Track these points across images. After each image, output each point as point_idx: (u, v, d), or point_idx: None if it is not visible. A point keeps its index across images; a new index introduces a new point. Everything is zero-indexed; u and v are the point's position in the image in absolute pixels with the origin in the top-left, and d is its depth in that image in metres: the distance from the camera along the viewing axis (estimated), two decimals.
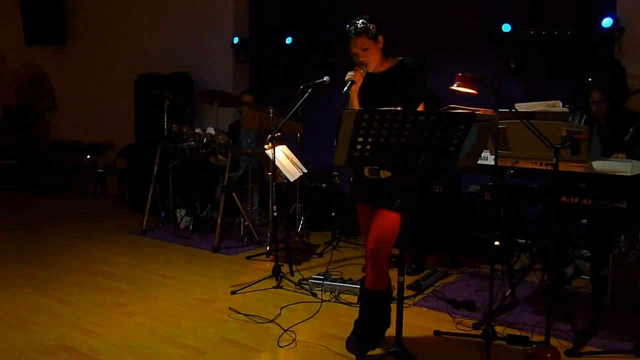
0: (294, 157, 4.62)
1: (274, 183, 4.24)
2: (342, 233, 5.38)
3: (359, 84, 2.73)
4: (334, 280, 3.94)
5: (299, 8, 6.50)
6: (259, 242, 5.24)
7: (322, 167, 5.69)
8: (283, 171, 4.45)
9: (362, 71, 2.71)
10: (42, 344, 3.02)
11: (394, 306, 2.58)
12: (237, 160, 5.74)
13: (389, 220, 2.67)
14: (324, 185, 5.85)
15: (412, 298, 3.76)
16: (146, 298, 3.80)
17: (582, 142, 2.76)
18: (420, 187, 4.42)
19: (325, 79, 3.40)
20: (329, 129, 2.79)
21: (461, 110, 2.37)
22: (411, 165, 2.36)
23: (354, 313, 2.98)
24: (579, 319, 3.18)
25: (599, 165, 2.84)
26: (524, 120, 2.63)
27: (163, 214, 5.93)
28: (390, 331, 2.86)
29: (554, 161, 2.58)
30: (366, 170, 2.69)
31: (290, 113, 3.68)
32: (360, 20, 2.65)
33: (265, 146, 4.10)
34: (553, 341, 2.82)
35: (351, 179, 2.94)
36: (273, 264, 4.09)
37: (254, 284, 3.97)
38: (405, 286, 2.63)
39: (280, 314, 3.46)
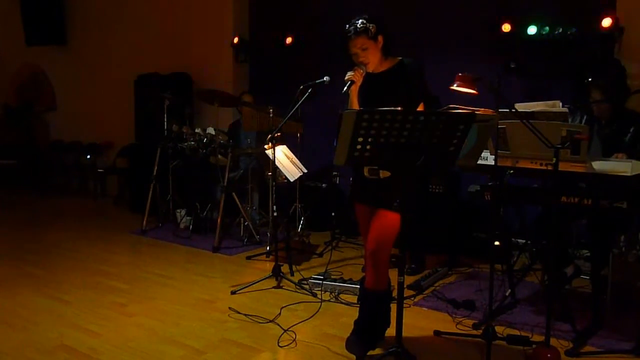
0: (294, 157, 4.62)
1: (274, 183, 4.24)
2: (342, 233, 5.38)
3: (358, 83, 2.73)
4: (334, 280, 3.94)
5: (299, 8, 6.50)
6: (259, 242, 5.24)
7: (322, 167, 5.69)
8: (283, 171, 4.45)
9: (361, 71, 2.71)
10: (42, 344, 3.02)
11: (394, 306, 2.58)
12: (237, 160, 5.74)
13: (388, 221, 2.67)
14: (324, 185, 5.85)
15: (412, 298, 3.76)
16: (146, 298, 3.80)
17: (582, 142, 2.76)
18: (419, 187, 4.43)
19: (325, 79, 3.40)
20: (329, 129, 2.79)
21: (461, 110, 2.37)
22: (411, 165, 2.36)
23: (354, 313, 2.99)
24: (579, 319, 3.18)
25: (599, 165, 2.84)
26: (524, 120, 2.63)
27: (163, 215, 5.92)
28: (390, 331, 2.86)
29: (554, 161, 2.58)
30: (365, 170, 2.69)
31: (290, 113, 3.69)
32: (360, 20, 2.65)
33: (265, 146, 4.10)
34: (553, 341, 2.82)
35: (350, 179, 2.94)
36: (273, 264, 4.09)
37: (254, 284, 3.97)
38: (405, 286, 2.63)
39: (280, 314, 3.46)
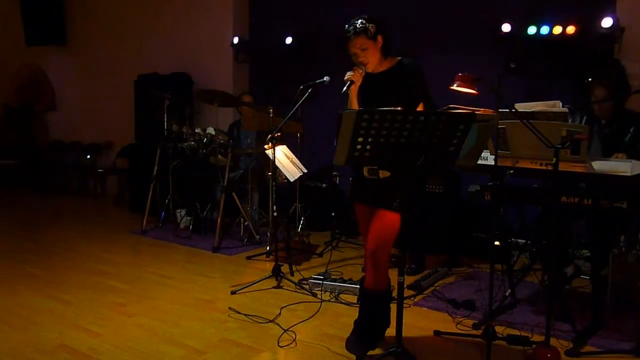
0: (294, 157, 4.62)
1: (274, 183, 4.24)
2: (342, 233, 5.38)
3: (358, 83, 2.73)
4: (334, 280, 3.94)
5: (299, 8, 6.50)
6: (259, 242, 5.24)
7: (322, 167, 5.69)
8: (283, 171, 4.45)
9: (361, 71, 2.71)
10: (42, 344, 3.02)
11: (393, 306, 2.58)
12: (237, 160, 5.74)
13: (388, 221, 2.67)
14: (324, 185, 5.85)
15: (412, 298, 3.76)
16: (146, 298, 3.80)
17: (582, 142, 2.76)
18: (417, 186, 4.43)
19: (325, 79, 3.40)
20: (329, 129, 2.79)
21: (461, 110, 2.37)
22: (411, 165, 2.36)
23: (354, 313, 2.99)
24: (579, 319, 3.18)
25: (599, 165, 2.84)
26: (524, 120, 2.63)
27: (163, 215, 5.92)
28: (390, 331, 2.86)
29: (554, 161, 2.58)
30: (365, 170, 2.69)
31: (290, 113, 3.69)
32: (359, 20, 2.65)
33: (265, 146, 4.11)
34: (553, 341, 2.82)
35: (350, 179, 2.94)
36: (273, 264, 4.09)
37: (254, 284, 3.97)
38: (405, 286, 2.63)
39: (280, 314, 3.46)
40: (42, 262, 4.65)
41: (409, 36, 5.31)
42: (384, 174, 2.63)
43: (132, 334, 3.17)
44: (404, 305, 2.75)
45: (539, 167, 2.94)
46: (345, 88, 2.70)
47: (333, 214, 5.35)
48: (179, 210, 5.95)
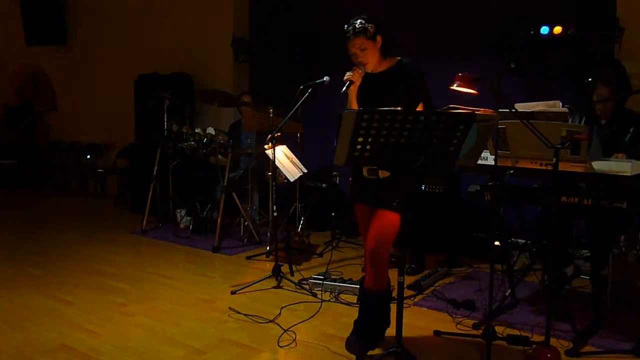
0: (294, 157, 4.62)
1: (274, 183, 4.24)
2: (342, 233, 5.38)
3: (357, 84, 2.73)
4: (334, 280, 3.94)
5: (299, 8, 6.50)
6: (259, 242, 5.24)
7: (322, 167, 5.69)
8: (283, 171, 4.45)
9: (360, 71, 2.71)
10: (42, 344, 3.02)
11: (393, 306, 2.58)
12: (237, 160, 5.74)
13: (388, 220, 2.67)
14: (324, 185, 5.85)
15: (412, 298, 3.76)
16: (146, 298, 3.80)
17: (582, 142, 2.76)
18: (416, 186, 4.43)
19: (325, 79, 3.40)
20: (329, 129, 2.79)
21: (461, 110, 2.37)
22: (411, 166, 2.36)
23: (354, 313, 2.99)
24: (579, 319, 3.18)
25: (599, 165, 2.84)
26: (524, 120, 2.63)
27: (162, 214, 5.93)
28: (390, 331, 2.86)
29: (554, 161, 2.58)
30: (365, 170, 2.70)
31: (290, 113, 3.69)
32: (359, 21, 2.65)
33: (265, 146, 4.11)
34: (553, 341, 2.82)
35: (350, 179, 2.94)
36: (273, 264, 4.09)
37: (254, 284, 3.97)
38: (405, 286, 2.63)
39: (280, 314, 3.46)
40: (42, 262, 4.65)
41: (408, 36, 5.31)
42: (383, 174, 2.63)
43: (132, 334, 3.17)
44: (404, 305, 2.75)
45: (539, 167, 2.94)
46: (344, 88, 2.70)
47: (333, 214, 5.35)
48: (179, 210, 5.95)
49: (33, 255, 4.87)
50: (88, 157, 8.34)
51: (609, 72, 3.95)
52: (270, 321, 3.34)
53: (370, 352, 2.83)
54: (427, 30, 5.50)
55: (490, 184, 3.44)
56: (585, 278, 3.81)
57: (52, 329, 3.23)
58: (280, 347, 3.01)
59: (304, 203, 5.39)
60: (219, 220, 5.09)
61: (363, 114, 2.19)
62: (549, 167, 2.70)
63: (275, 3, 6.77)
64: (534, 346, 2.85)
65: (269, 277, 4.04)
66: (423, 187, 4.78)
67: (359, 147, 2.26)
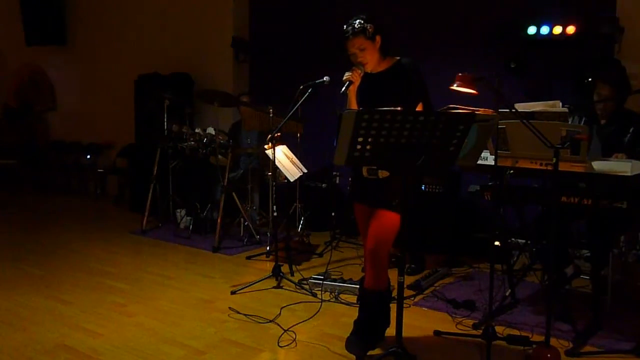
0: (294, 157, 4.62)
1: (274, 183, 4.24)
2: (342, 233, 5.37)
3: (357, 84, 2.73)
4: (334, 280, 3.94)
5: (299, 8, 6.50)
6: (259, 242, 5.24)
7: (322, 167, 5.69)
8: (283, 171, 4.45)
9: (359, 71, 2.71)
10: (42, 344, 3.02)
11: (393, 306, 2.58)
12: (237, 160, 5.74)
13: (387, 220, 2.68)
14: (324, 185, 5.85)
15: (412, 298, 3.77)
16: (146, 298, 3.80)
17: (582, 142, 2.76)
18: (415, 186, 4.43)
19: (325, 79, 3.40)
20: (329, 129, 2.79)
21: (461, 110, 2.37)
22: (411, 166, 2.36)
23: (354, 313, 2.99)
24: (579, 319, 3.18)
25: (599, 165, 2.84)
26: (524, 120, 2.63)
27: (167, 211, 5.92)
28: (390, 331, 2.86)
29: (554, 161, 2.58)
30: (364, 170, 2.70)
31: (291, 113, 3.68)
32: (358, 21, 2.65)
33: (265, 146, 4.11)
34: (553, 341, 2.82)
35: (349, 179, 2.94)
36: (273, 264, 4.09)
37: (254, 284, 3.97)
38: (405, 286, 2.63)
39: (280, 314, 3.46)
40: (42, 262, 4.65)
41: (408, 36, 5.31)
42: (383, 173, 2.63)
43: (132, 334, 3.17)
44: (404, 305, 2.75)
45: (539, 167, 2.94)
46: (343, 88, 2.70)
47: (333, 214, 5.35)
48: (179, 210, 5.95)
49: (33, 255, 4.87)
50: (88, 157, 8.33)
51: (609, 72, 3.95)
52: (270, 321, 3.34)
53: (370, 352, 2.83)
54: (427, 30, 5.50)
55: (490, 184, 3.44)
56: (585, 278, 3.80)
57: (52, 329, 3.23)
58: (280, 347, 3.01)
59: (304, 203, 5.39)
60: (219, 220, 5.09)
61: (363, 114, 2.19)
62: (549, 167, 2.70)
63: (275, 3, 6.77)
64: (534, 346, 2.85)
65: (269, 277, 4.04)
66: (423, 187, 4.78)
67: (359, 147, 2.26)
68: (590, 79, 4.06)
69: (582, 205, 2.98)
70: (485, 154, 3.12)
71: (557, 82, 4.82)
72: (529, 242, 4.00)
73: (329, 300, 3.71)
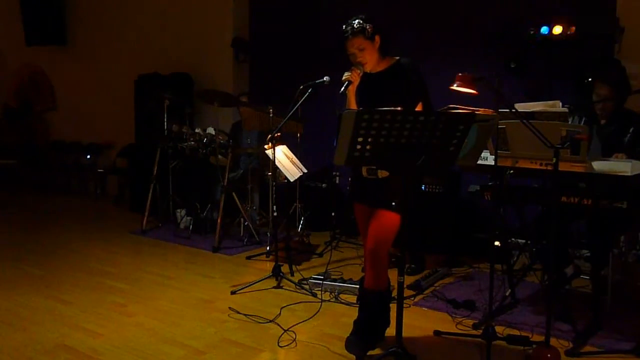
0: (294, 157, 4.62)
1: (274, 183, 4.24)
2: (342, 233, 5.37)
3: (356, 84, 2.73)
4: (334, 280, 3.94)
5: (299, 8, 6.50)
6: (259, 242, 5.24)
7: (322, 167, 5.69)
8: (283, 171, 4.45)
9: (358, 71, 2.71)
10: (42, 344, 3.02)
11: (393, 306, 2.58)
12: (237, 160, 5.74)
13: (387, 220, 2.68)
14: (324, 185, 5.85)
15: (412, 298, 3.76)
16: (146, 298, 3.80)
17: (582, 142, 2.76)
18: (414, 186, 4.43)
19: (325, 79, 3.40)
20: (329, 129, 2.79)
21: (461, 110, 2.37)
22: (411, 165, 2.36)
23: (354, 313, 2.99)
24: (579, 319, 3.18)
25: (599, 165, 2.84)
26: (524, 120, 2.63)
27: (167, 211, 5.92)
28: (390, 331, 2.86)
29: (554, 161, 2.58)
30: (364, 170, 2.70)
31: (291, 113, 3.68)
32: (357, 20, 2.65)
33: (265, 146, 4.11)
34: (553, 341, 2.82)
35: (349, 179, 2.94)
36: (273, 264, 4.09)
37: (254, 284, 3.97)
38: (405, 286, 2.63)
39: (280, 314, 3.46)
40: (42, 262, 4.65)
41: (408, 36, 5.31)
42: (382, 173, 2.63)
43: (132, 334, 3.17)
44: (404, 305, 2.75)
45: (539, 167, 2.94)
46: (343, 88, 2.70)
47: (333, 214, 5.35)
48: (179, 210, 5.95)
49: (33, 255, 4.87)
50: (88, 157, 8.32)
51: (607, 72, 3.95)
52: (270, 321, 3.34)
53: (370, 352, 2.83)
54: (427, 30, 5.50)
55: (490, 184, 3.44)
56: (585, 278, 3.81)
57: (52, 329, 3.23)
58: (280, 347, 3.01)
59: (304, 203, 5.39)
60: (219, 220, 5.09)
61: (363, 114, 2.19)
62: (549, 167, 2.70)
63: (275, 3, 6.77)
64: (534, 346, 2.85)
65: (269, 277, 4.04)
66: (423, 187, 4.78)
67: (359, 147, 2.26)
68: (590, 79, 4.06)
69: (582, 205, 2.98)
70: (485, 154, 3.12)
71: (557, 82, 4.82)
72: (529, 242, 4.00)
73: (329, 300, 3.71)
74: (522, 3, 5.02)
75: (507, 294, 3.58)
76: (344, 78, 2.70)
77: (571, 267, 3.58)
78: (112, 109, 8.01)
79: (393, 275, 2.60)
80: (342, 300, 3.71)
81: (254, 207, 5.62)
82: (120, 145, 7.75)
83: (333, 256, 4.59)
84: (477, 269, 4.52)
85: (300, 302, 3.69)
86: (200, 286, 4.07)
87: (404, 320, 2.47)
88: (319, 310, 3.44)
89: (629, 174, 2.77)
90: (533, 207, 3.75)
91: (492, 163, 2.90)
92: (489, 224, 4.48)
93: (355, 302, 3.59)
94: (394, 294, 2.64)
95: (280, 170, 4.46)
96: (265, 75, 6.89)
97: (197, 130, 5.30)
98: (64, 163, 8.62)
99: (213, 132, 5.26)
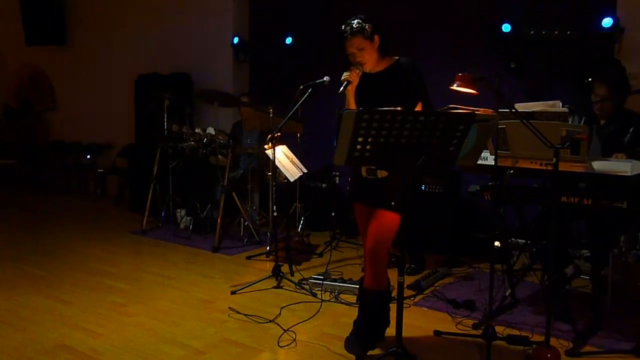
0: (294, 157, 4.62)
1: (274, 183, 4.24)
2: (342, 233, 5.37)
3: (355, 84, 2.73)
4: (334, 280, 3.94)
5: (299, 8, 6.50)
6: (259, 242, 5.24)
7: (322, 167, 5.69)
8: (283, 171, 4.45)
9: (358, 71, 2.71)
10: (42, 344, 3.02)
11: (393, 306, 2.58)
12: (237, 160, 5.74)
13: (387, 220, 2.67)
14: (324, 185, 5.85)
15: (412, 298, 3.77)
16: (146, 298, 3.80)
17: (582, 142, 2.76)
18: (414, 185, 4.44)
19: (325, 79, 3.39)
20: (329, 129, 2.79)
21: (461, 110, 2.37)
22: (411, 165, 2.36)
23: (354, 313, 2.99)
24: (579, 319, 3.18)
25: (599, 165, 2.84)
26: (524, 120, 2.63)
27: (163, 214, 5.92)
28: (390, 331, 2.86)
29: (554, 161, 2.58)
30: (363, 170, 2.69)
31: (291, 113, 3.68)
32: (356, 20, 2.65)
33: (265, 146, 4.11)
34: (553, 341, 2.82)
35: (349, 179, 2.94)
36: (273, 264, 4.09)
37: (254, 284, 3.97)
38: (405, 286, 2.63)
39: (280, 314, 3.46)
40: (42, 262, 4.65)
41: (408, 36, 5.31)
42: (382, 173, 2.63)
43: (132, 334, 3.17)
44: (404, 305, 2.75)
45: (539, 167, 2.94)
46: (342, 88, 2.70)
47: (333, 214, 5.35)
48: (179, 210, 5.95)
49: (33, 255, 4.87)
50: (88, 157, 8.33)
51: (606, 72, 3.95)
52: (270, 321, 3.34)
53: (370, 352, 2.83)
54: (427, 30, 5.50)
55: (490, 184, 3.44)
56: (585, 278, 3.81)
57: (52, 329, 3.23)
58: (280, 347, 3.01)
59: (304, 203, 5.39)
60: (219, 220, 5.09)
61: (363, 114, 2.19)
62: (549, 167, 2.70)
63: (275, 3, 6.77)
64: (534, 346, 2.85)
65: (269, 277, 4.04)
66: (423, 187, 4.78)
67: (358, 147, 2.26)
68: (590, 79, 4.05)
69: (582, 205, 2.98)
70: (485, 154, 3.12)
71: (557, 82, 4.82)
72: (529, 242, 4.00)
73: (329, 300, 3.71)
74: (522, 3, 5.02)
75: (507, 294, 3.58)
76: (343, 78, 2.70)
77: (571, 267, 3.58)
78: (112, 109, 8.01)
79: (393, 275, 2.60)
80: (342, 300, 3.71)
81: (254, 207, 5.62)
82: (120, 145, 7.76)
83: (333, 256, 4.59)
84: (477, 269, 4.52)
85: (300, 302, 3.69)
86: (200, 286, 4.07)
87: (404, 320, 2.47)
88: (319, 310, 3.44)
89: (629, 174, 2.77)
90: (533, 207, 3.75)
91: (492, 163, 2.90)
92: (489, 224, 4.48)
93: (355, 302, 3.59)
94: (394, 294, 2.64)
95: (280, 170, 4.46)
96: (265, 75, 6.89)
97: (197, 130, 5.30)
98: (64, 163, 8.63)
99: (213, 132, 5.26)
